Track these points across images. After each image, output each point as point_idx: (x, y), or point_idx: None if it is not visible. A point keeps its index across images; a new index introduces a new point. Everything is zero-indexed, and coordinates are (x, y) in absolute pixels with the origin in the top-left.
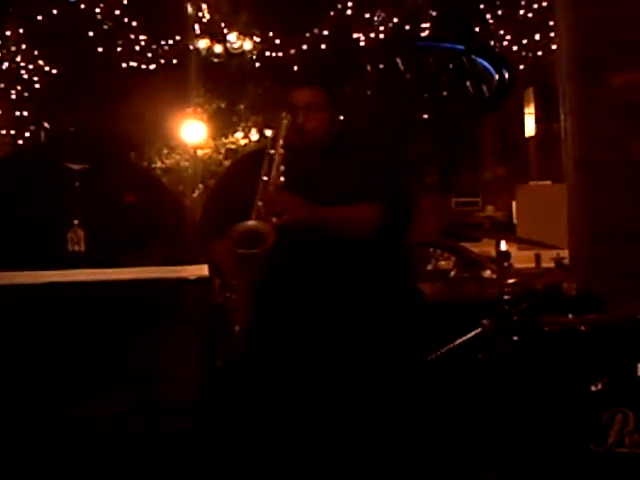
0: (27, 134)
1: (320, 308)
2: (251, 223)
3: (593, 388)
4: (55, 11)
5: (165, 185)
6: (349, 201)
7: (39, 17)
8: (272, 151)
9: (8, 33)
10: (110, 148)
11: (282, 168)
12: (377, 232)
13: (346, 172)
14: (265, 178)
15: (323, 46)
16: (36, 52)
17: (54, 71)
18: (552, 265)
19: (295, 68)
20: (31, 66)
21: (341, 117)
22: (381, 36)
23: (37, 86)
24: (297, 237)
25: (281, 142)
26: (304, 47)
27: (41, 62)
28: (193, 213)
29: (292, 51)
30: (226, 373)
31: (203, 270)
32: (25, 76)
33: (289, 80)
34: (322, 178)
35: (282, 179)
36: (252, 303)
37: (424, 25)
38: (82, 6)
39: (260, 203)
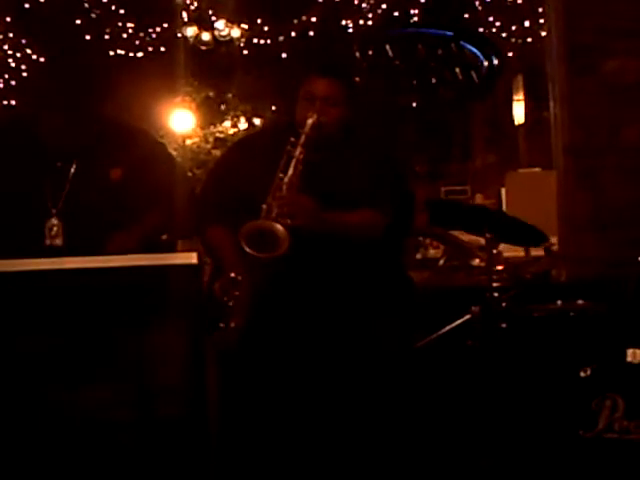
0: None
1: (317, 301)
2: (268, 223)
3: (582, 374)
4: None
5: (157, 142)
6: (356, 199)
7: (26, 5)
8: (294, 151)
9: None
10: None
11: (300, 168)
12: (381, 237)
13: (354, 170)
14: (281, 176)
15: (311, 33)
16: (24, 40)
17: (42, 59)
18: (541, 252)
19: (318, 57)
20: (19, 54)
21: (355, 111)
22: (370, 23)
23: (25, 75)
24: (303, 239)
25: (303, 141)
26: (292, 34)
27: (29, 50)
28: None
29: (280, 38)
30: (220, 364)
31: (192, 257)
32: (12, 65)
33: (309, 69)
34: (331, 175)
35: (297, 181)
36: (253, 301)
37: (413, 11)
38: None
39: (273, 202)
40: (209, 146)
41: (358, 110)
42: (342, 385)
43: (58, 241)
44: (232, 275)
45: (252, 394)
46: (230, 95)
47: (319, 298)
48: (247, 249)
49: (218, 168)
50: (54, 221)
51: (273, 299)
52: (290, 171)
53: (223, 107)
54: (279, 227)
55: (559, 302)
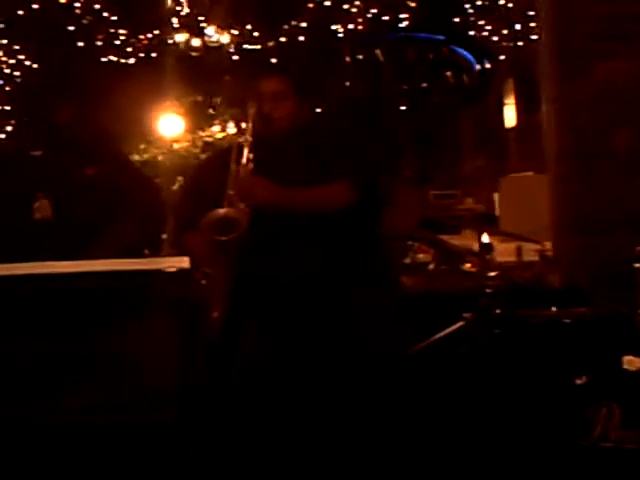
0: (9, 128)
1: (295, 291)
2: (223, 210)
3: (578, 382)
4: (35, 5)
5: (130, 161)
6: (318, 184)
7: (19, 12)
8: (241, 139)
9: None
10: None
11: (251, 155)
12: (347, 209)
13: (314, 156)
14: (234, 166)
15: (301, 38)
16: (17, 47)
17: (35, 65)
18: (536, 258)
19: (263, 59)
20: (12, 61)
21: (310, 105)
22: (360, 27)
23: (18, 80)
24: (269, 221)
25: (249, 129)
26: (282, 39)
27: (22, 56)
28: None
29: (270, 44)
30: (206, 359)
31: (183, 262)
32: (6, 70)
33: (256, 70)
34: (290, 164)
35: (251, 165)
36: (229, 289)
37: (403, 16)
38: (62, 0)
39: (231, 191)
40: (198, 150)
41: (328, 103)
42: (327, 387)
43: (47, 215)
44: (205, 270)
45: (235, 388)
46: (218, 100)
47: (293, 278)
48: (211, 235)
49: (190, 183)
50: (42, 200)
51: (248, 284)
52: (243, 159)
53: (212, 112)
54: (231, 210)
55: (554, 308)
